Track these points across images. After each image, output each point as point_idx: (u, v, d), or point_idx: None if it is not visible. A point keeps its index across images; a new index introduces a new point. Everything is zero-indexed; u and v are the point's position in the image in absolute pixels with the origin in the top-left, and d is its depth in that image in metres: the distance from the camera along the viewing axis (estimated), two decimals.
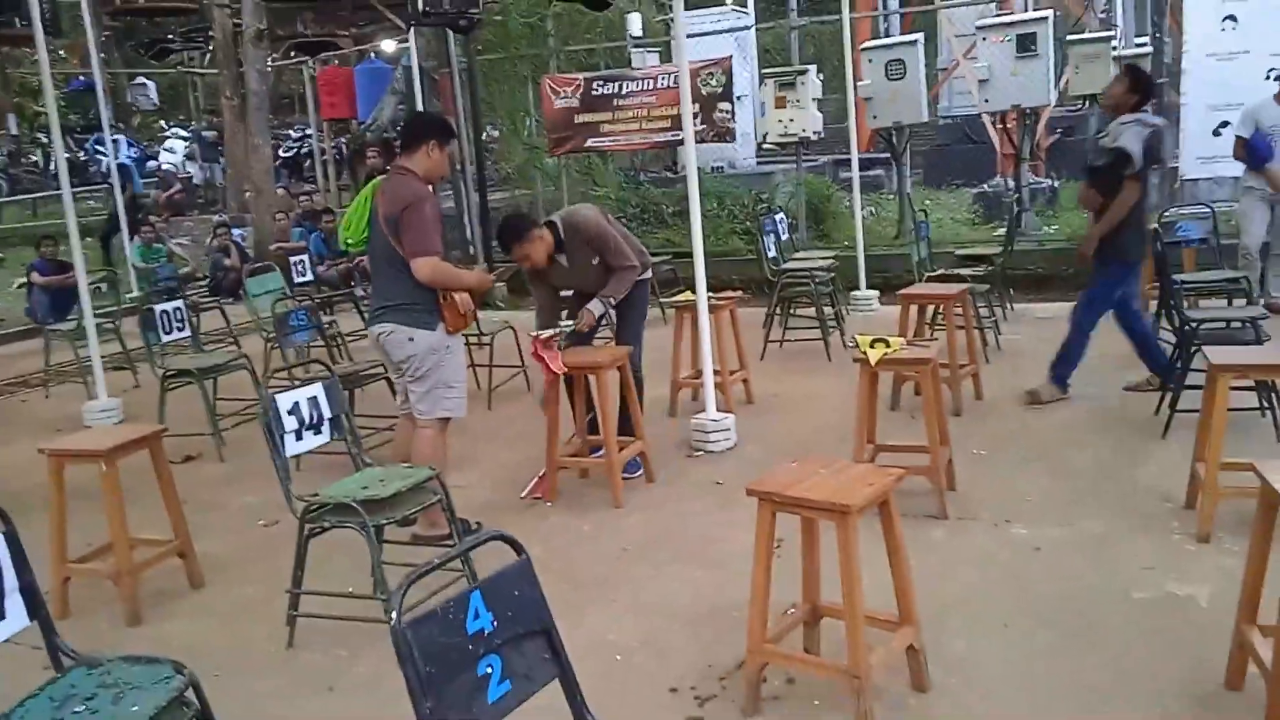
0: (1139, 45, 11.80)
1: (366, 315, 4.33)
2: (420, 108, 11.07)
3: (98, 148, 17.98)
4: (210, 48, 14.01)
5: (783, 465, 3.00)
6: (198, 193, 17.83)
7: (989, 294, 7.01)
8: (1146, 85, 5.46)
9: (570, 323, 4.82)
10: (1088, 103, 10.23)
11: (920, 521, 4.08)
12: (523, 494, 4.81)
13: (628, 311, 5.13)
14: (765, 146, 13.10)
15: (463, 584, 3.48)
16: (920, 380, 4.49)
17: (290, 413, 3.55)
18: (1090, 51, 9.66)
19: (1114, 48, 10.08)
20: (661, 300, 8.95)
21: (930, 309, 6.25)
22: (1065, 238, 10.43)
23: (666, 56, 15.19)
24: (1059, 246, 10.14)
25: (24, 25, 7.82)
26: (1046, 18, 9.76)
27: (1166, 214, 7.39)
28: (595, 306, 4.87)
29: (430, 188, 4.24)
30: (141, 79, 21.62)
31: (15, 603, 2.38)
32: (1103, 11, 12.80)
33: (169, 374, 5.91)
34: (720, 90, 11.17)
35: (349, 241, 4.30)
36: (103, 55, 14.26)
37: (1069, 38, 10.86)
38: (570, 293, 5.15)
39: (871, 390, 4.39)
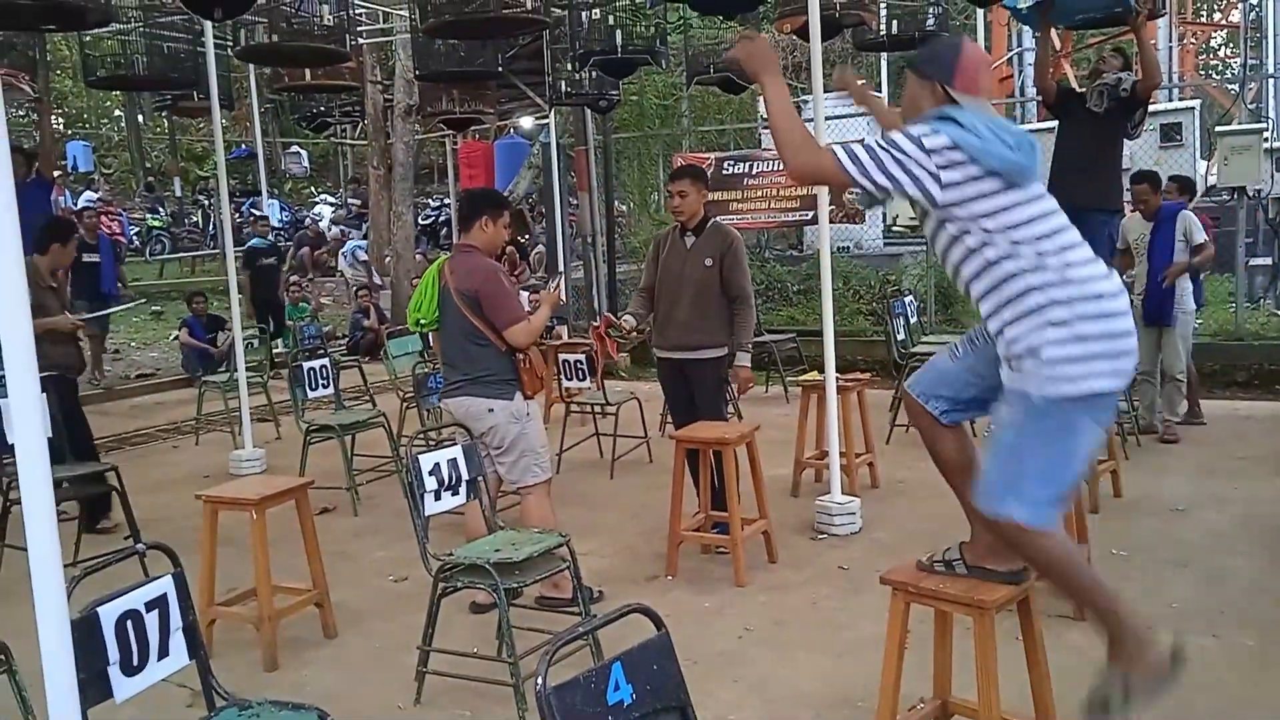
0: None
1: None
2: (555, 182, 11.46)
3: (253, 211, 19.13)
4: (363, 121, 14.82)
5: (918, 555, 2.95)
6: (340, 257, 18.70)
7: (1128, 389, 6.77)
8: None
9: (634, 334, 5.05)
10: (1236, 194, 9.88)
11: (1055, 621, 3.92)
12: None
13: (704, 391, 5.10)
14: (894, 229, 13.05)
15: (585, 650, 3.52)
16: None
17: (431, 473, 3.67)
18: (1241, 143, 9.38)
19: (1265, 139, 9.75)
20: (786, 379, 8.94)
21: None
22: (1210, 334, 10.02)
23: None
24: (1202, 342, 9.74)
25: (201, 99, 8.44)
26: (1193, 108, 9.53)
27: None
28: (744, 360, 5.00)
29: (494, 259, 4.43)
30: (296, 148, 23.01)
31: (178, 641, 2.52)
32: (1252, 103, 12.42)
33: (312, 428, 6.19)
34: None
35: (420, 321, 4.48)
36: (262, 126, 15.24)
37: (1218, 129, 10.56)
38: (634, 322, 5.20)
39: None
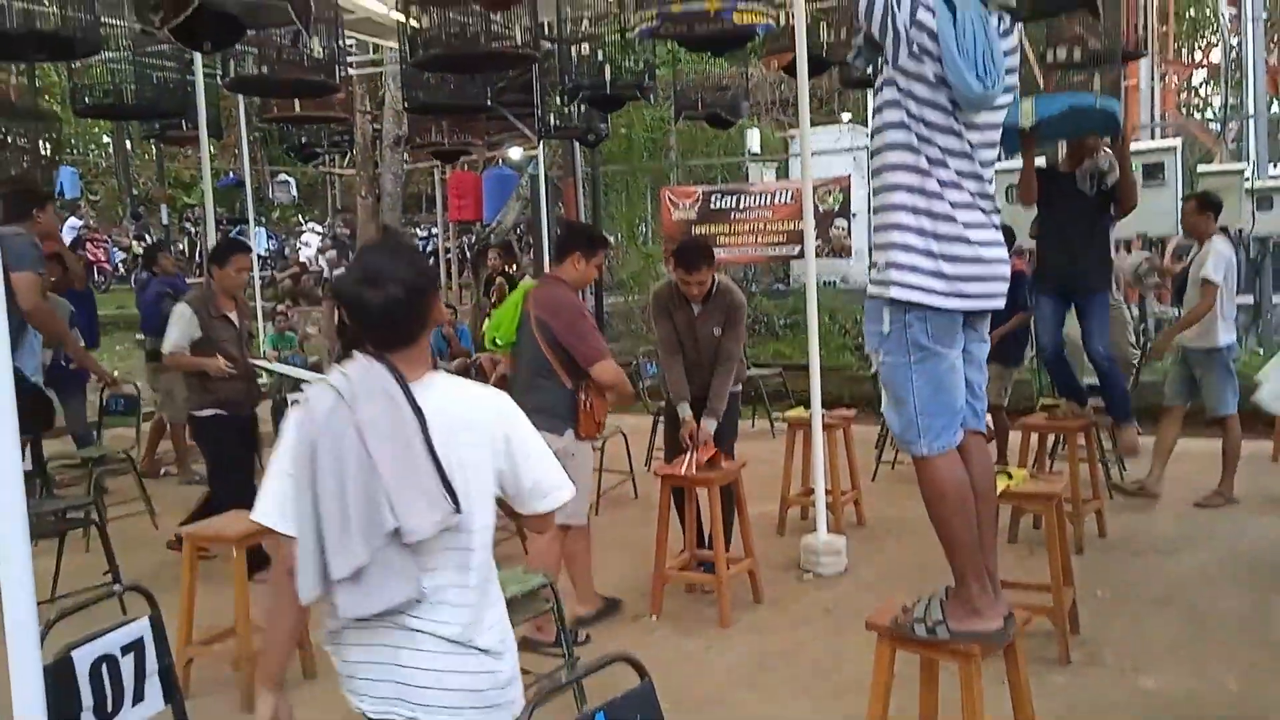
0: (1273, 177, 11.53)
1: None
2: (544, 214, 11.49)
3: (238, 238, 19.10)
4: (352, 150, 14.86)
5: (903, 596, 2.94)
6: (327, 285, 18.64)
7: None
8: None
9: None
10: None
11: (1041, 664, 3.91)
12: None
13: (720, 425, 5.09)
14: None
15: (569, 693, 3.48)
16: (1044, 515, 4.36)
17: None
18: (1222, 184, 9.47)
19: (1246, 178, 9.86)
20: (772, 414, 8.94)
21: (1051, 439, 6.10)
22: None
23: (783, 172, 15.50)
24: None
25: (190, 128, 8.43)
26: (1175, 147, 9.64)
27: None
28: (709, 425, 4.83)
29: (579, 294, 4.48)
30: (284, 176, 23.01)
31: (154, 685, 2.48)
32: (1233, 141, 12.57)
33: None
34: (837, 208, 11.31)
35: (497, 341, 4.52)
36: (251, 154, 15.23)
37: (1200, 169, 10.68)
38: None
39: None
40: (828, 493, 5.56)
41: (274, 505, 2.05)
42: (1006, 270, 2.68)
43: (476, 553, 2.03)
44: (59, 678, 2.24)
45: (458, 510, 1.95)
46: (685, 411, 4.90)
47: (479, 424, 2.04)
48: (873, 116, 2.74)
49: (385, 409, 1.97)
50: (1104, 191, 5.54)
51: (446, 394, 2.05)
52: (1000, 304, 2.70)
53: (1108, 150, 5.61)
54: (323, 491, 1.96)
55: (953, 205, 2.55)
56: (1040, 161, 6.02)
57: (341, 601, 1.98)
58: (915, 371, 2.57)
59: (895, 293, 2.57)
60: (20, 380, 5.59)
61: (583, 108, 8.80)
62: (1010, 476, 4.25)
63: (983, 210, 2.60)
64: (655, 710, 2.01)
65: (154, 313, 7.85)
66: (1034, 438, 5.80)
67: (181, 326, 5.38)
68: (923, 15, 2.48)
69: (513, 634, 2.18)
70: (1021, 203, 5.61)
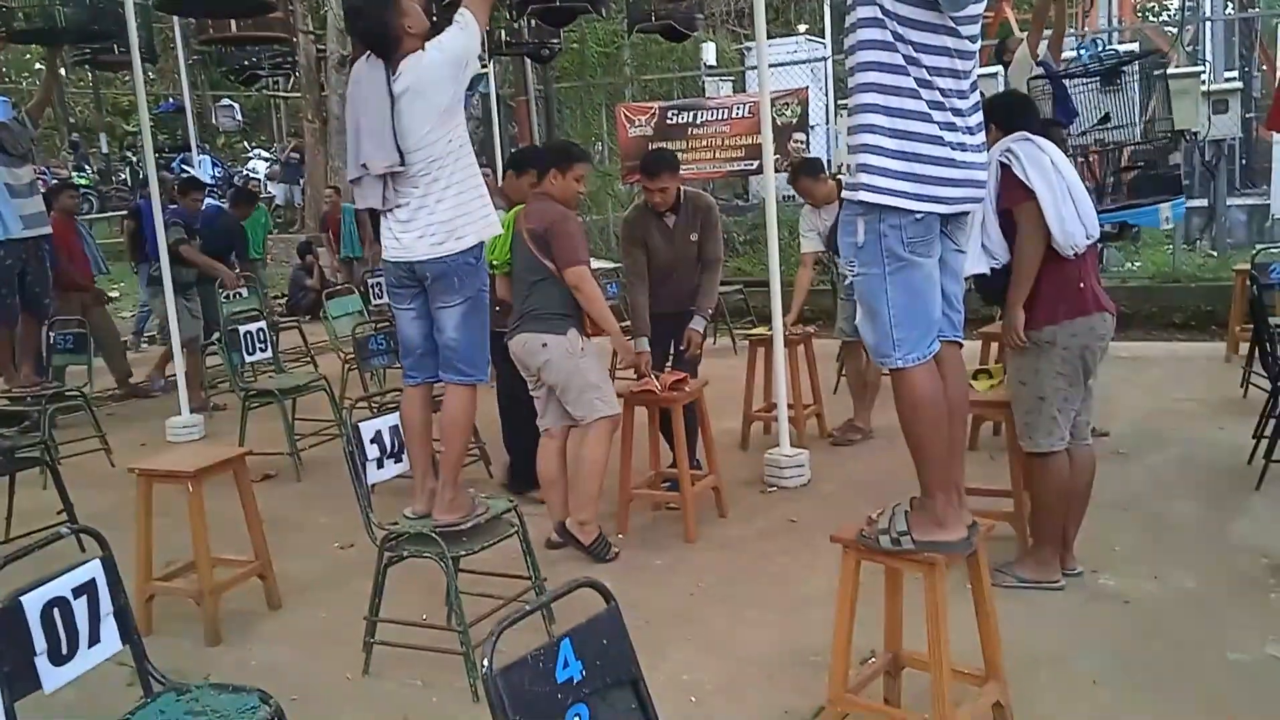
0: (1228, 80, 11.52)
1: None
2: (496, 134, 11.23)
3: (184, 167, 18.56)
4: (295, 73, 14.37)
5: (866, 508, 2.94)
6: (278, 212, 18.23)
7: None
8: None
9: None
10: (1173, 137, 9.98)
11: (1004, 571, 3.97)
12: None
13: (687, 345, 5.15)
14: (839, 177, 13.00)
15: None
16: (1005, 424, 4.38)
17: (373, 441, 3.58)
18: (1180, 87, 9.44)
19: (1203, 82, 9.84)
20: (734, 330, 8.91)
21: None
22: (1148, 275, 10.19)
23: (740, 86, 15.24)
24: (1142, 284, 9.91)
25: (122, 52, 8.08)
26: (1132, 52, 9.55)
27: (1258, 255, 7.18)
28: (698, 324, 5.03)
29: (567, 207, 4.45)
30: (227, 100, 22.31)
31: (109, 626, 2.43)
32: (1189, 45, 12.51)
33: (250, 394, 6.03)
34: (795, 121, 11.16)
35: (494, 263, 4.48)
36: (191, 79, 14.68)
37: (1156, 73, 10.61)
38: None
39: None
40: (790, 407, 5.57)
41: None
42: (983, 174, 2.62)
43: (418, 178, 3.35)
44: (9, 623, 2.19)
45: (402, 162, 3.32)
46: (643, 346, 4.94)
47: (429, 90, 3.32)
48: (847, 13, 2.63)
49: (372, 90, 3.34)
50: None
51: (414, 73, 3.31)
52: (976, 206, 2.64)
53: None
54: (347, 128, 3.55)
55: (928, 105, 2.47)
56: None
57: (355, 194, 3.54)
58: (890, 282, 2.52)
59: (864, 195, 2.50)
60: None
61: (533, 22, 8.54)
62: (991, 375, 4.28)
63: (957, 110, 2.53)
64: (621, 633, 1.99)
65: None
66: (993, 348, 5.83)
67: None
68: None
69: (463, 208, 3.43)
70: None
